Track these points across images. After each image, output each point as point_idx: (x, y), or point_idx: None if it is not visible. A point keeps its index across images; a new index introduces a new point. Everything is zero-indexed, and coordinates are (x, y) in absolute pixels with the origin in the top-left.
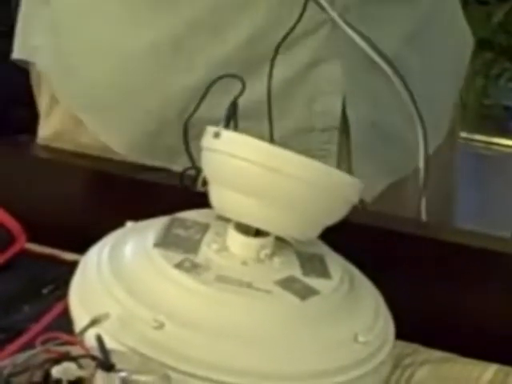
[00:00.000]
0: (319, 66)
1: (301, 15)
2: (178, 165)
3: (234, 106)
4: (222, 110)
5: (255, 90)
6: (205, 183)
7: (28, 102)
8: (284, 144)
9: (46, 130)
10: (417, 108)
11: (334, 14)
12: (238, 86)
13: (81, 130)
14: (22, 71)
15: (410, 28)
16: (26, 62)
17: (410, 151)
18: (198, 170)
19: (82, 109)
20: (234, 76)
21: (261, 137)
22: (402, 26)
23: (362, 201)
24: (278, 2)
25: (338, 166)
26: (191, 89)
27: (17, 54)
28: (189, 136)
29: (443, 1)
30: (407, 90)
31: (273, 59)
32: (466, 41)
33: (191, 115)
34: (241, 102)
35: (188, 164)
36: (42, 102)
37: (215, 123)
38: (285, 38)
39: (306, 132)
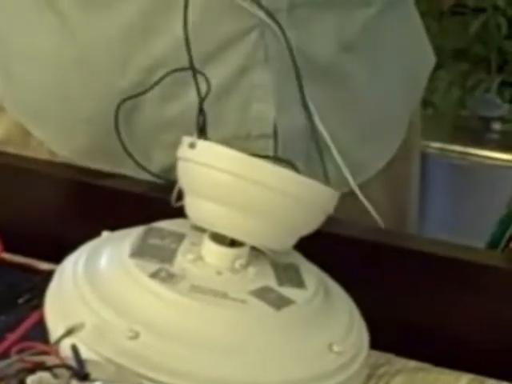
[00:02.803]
0: (250, 72)
1: None
2: (124, 168)
3: (202, 114)
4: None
5: (188, 98)
6: (179, 198)
7: None
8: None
9: None
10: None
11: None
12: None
13: (28, 138)
14: None
15: (346, 37)
16: None
17: (351, 165)
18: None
19: (24, 116)
20: (188, 69)
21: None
22: (337, 34)
23: None
24: (205, 7)
25: None
26: (126, 93)
27: None
28: (159, 144)
29: (393, 16)
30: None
31: (194, 73)
32: (425, 58)
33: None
34: (172, 111)
35: (133, 167)
36: None
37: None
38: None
39: (241, 139)
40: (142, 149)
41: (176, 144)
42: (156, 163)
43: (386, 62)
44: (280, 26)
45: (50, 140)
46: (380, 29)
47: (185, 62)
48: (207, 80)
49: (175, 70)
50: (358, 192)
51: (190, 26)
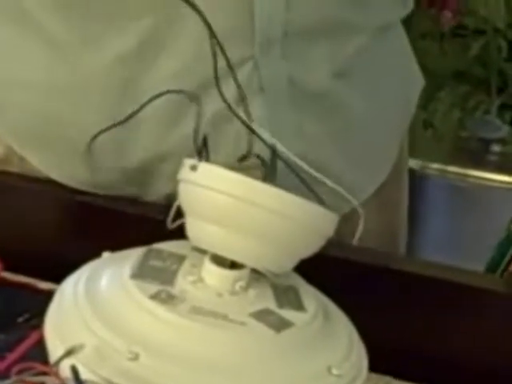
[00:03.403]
0: (244, 101)
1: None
2: (124, 192)
3: (198, 136)
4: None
5: (182, 129)
6: (174, 220)
7: None
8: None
9: None
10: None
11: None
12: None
13: (24, 162)
14: None
15: (339, 64)
16: None
17: (346, 190)
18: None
19: (18, 144)
20: (180, 91)
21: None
22: (330, 61)
23: None
24: (199, 40)
25: None
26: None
27: None
28: (158, 173)
29: (384, 41)
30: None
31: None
32: (415, 81)
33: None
34: (170, 141)
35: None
36: None
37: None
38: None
39: (238, 169)
40: (141, 178)
41: (175, 173)
42: (155, 192)
43: (378, 86)
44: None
45: (47, 167)
46: (372, 54)
47: (181, 94)
48: (198, 104)
49: (165, 93)
50: (360, 210)
51: (184, 57)
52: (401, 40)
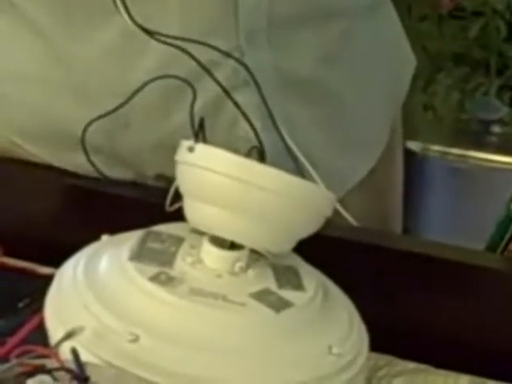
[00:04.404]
0: (234, 93)
1: None
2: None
3: (194, 117)
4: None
5: (173, 120)
6: (172, 203)
7: None
8: None
9: None
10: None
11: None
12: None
13: (18, 150)
14: None
15: (325, 49)
16: None
17: (334, 178)
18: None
19: (12, 133)
20: (171, 76)
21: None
22: (315, 46)
23: None
24: (186, 33)
25: None
26: (111, 115)
27: None
28: (150, 163)
29: (371, 23)
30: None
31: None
32: (406, 62)
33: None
34: (158, 133)
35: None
36: None
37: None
38: None
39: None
40: (136, 164)
41: (166, 164)
42: (149, 178)
43: (365, 69)
44: None
45: (44, 154)
46: (358, 37)
47: (165, 83)
48: (193, 89)
49: (156, 78)
50: (339, 208)
51: (168, 50)
52: (390, 19)
